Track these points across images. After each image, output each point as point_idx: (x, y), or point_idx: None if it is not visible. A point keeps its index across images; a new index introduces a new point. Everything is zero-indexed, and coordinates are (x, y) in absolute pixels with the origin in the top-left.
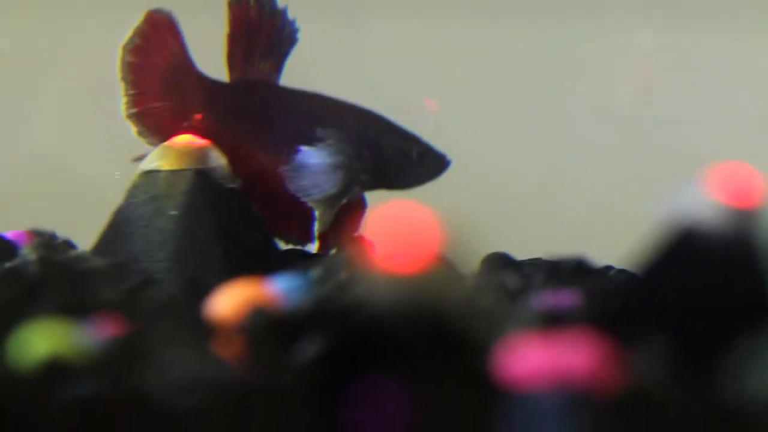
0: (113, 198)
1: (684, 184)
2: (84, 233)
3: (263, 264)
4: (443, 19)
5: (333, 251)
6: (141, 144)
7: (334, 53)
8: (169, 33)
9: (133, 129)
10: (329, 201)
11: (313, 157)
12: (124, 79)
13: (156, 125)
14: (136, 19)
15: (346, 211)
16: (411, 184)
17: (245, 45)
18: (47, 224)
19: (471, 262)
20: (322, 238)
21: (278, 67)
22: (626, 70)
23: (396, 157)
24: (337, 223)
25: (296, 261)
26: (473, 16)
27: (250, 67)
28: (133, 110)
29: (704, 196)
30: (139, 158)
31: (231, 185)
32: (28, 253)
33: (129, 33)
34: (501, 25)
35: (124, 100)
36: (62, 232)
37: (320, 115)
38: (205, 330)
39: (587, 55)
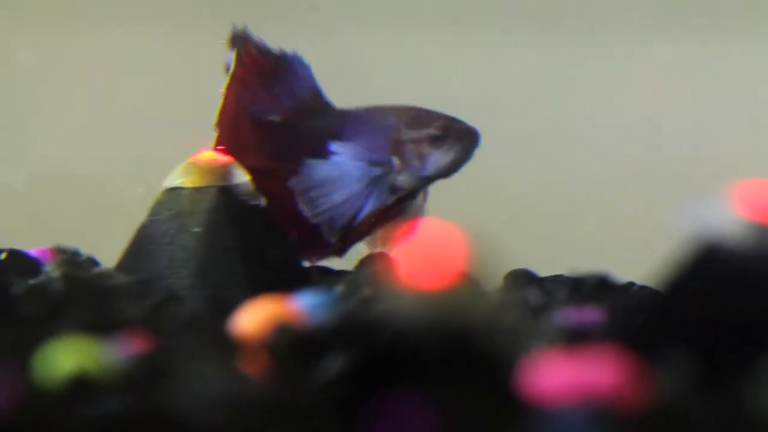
0: (136, 213)
1: (706, 199)
2: (105, 247)
3: (287, 280)
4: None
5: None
6: (164, 158)
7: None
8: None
9: None
10: (339, 215)
11: (319, 169)
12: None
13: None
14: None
15: (389, 215)
16: (451, 168)
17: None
18: (68, 238)
19: (494, 279)
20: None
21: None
22: (645, 82)
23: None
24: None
25: (320, 277)
26: (488, 29)
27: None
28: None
29: (727, 212)
30: None
31: (254, 202)
32: (52, 270)
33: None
34: (517, 37)
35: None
36: (83, 247)
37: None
38: (229, 346)
39: (605, 67)
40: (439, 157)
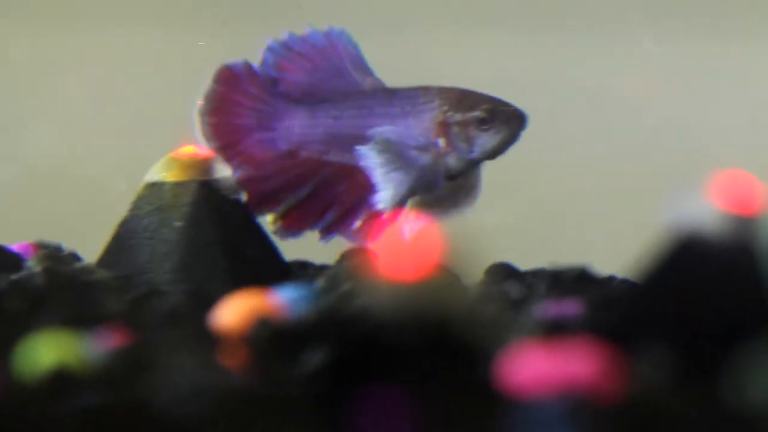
0: (118, 209)
1: (685, 191)
2: (87, 242)
3: (267, 274)
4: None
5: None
6: (149, 156)
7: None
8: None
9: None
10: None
11: (363, 157)
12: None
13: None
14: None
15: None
16: (498, 150)
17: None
18: (52, 232)
19: (475, 272)
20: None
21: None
22: (631, 78)
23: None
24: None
25: (300, 271)
26: (475, 25)
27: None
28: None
29: (705, 204)
30: None
31: (235, 196)
32: (33, 265)
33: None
34: (507, 35)
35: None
36: (66, 241)
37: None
38: (210, 340)
39: (593, 64)
40: (486, 140)
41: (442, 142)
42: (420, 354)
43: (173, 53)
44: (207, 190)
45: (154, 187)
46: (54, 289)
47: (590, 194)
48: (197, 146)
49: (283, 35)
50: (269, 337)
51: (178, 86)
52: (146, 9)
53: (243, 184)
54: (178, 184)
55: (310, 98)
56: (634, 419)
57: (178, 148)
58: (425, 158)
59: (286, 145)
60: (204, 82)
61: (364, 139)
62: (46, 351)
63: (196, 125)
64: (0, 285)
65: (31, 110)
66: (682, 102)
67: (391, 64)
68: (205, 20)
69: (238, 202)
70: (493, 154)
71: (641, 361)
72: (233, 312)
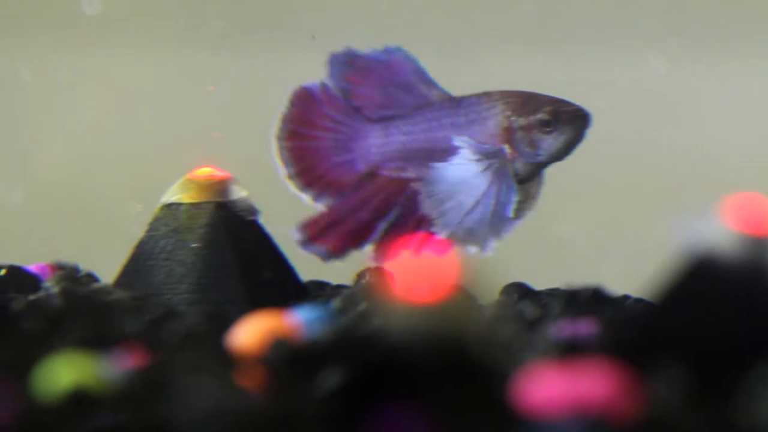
0: (135, 230)
1: (699, 213)
2: (103, 262)
3: (284, 294)
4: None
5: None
6: (165, 178)
7: None
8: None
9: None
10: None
11: (447, 170)
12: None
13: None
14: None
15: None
16: (563, 152)
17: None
18: (68, 253)
19: (490, 293)
20: None
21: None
22: (639, 98)
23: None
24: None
25: (317, 291)
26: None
27: None
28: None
29: (719, 225)
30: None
31: (251, 217)
32: (51, 285)
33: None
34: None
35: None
36: (82, 262)
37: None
38: (227, 361)
39: (599, 82)
40: (551, 143)
41: (507, 147)
42: (436, 374)
43: (191, 74)
44: (223, 211)
45: (170, 208)
46: (72, 309)
47: (604, 215)
48: (213, 167)
49: (342, 49)
50: (286, 358)
51: (195, 107)
52: (162, 29)
53: (334, 219)
54: (194, 206)
55: (384, 112)
56: None
57: (194, 169)
58: (495, 165)
59: (364, 166)
60: (277, 106)
61: (435, 152)
62: (65, 372)
63: (273, 149)
64: (18, 306)
65: (48, 131)
66: (695, 121)
67: None
68: (221, 40)
69: (254, 222)
70: (559, 156)
71: (656, 382)
72: (250, 333)
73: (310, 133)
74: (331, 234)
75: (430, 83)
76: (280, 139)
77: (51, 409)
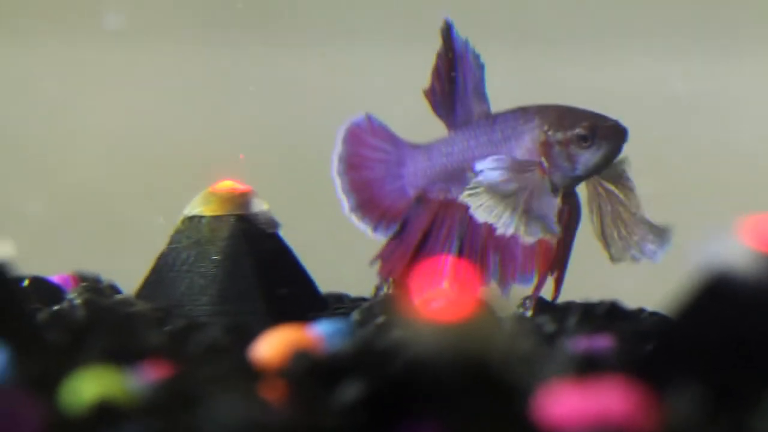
0: (156, 241)
1: (717, 232)
2: (124, 273)
3: (304, 307)
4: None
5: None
6: (183, 193)
7: None
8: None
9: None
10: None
11: (490, 171)
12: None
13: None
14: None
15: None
16: (601, 166)
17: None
18: (89, 263)
19: (508, 307)
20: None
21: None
22: (654, 104)
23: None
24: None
25: (336, 304)
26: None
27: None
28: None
29: (737, 243)
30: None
31: (272, 230)
32: (74, 296)
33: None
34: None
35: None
36: (103, 272)
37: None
38: (249, 373)
39: (614, 87)
40: (588, 158)
41: (545, 162)
42: (456, 389)
43: (215, 89)
44: (244, 224)
45: (192, 221)
46: (95, 321)
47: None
48: (235, 180)
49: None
50: (307, 371)
51: (217, 122)
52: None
53: (402, 252)
54: (215, 218)
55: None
56: None
57: (215, 182)
58: (532, 180)
59: (413, 191)
60: (334, 141)
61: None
62: (89, 384)
63: (336, 185)
64: (42, 317)
65: (70, 143)
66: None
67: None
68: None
69: (274, 235)
70: (596, 170)
71: (673, 397)
72: (271, 345)
73: (363, 165)
74: (397, 263)
75: (483, 99)
76: (339, 174)
77: (76, 422)
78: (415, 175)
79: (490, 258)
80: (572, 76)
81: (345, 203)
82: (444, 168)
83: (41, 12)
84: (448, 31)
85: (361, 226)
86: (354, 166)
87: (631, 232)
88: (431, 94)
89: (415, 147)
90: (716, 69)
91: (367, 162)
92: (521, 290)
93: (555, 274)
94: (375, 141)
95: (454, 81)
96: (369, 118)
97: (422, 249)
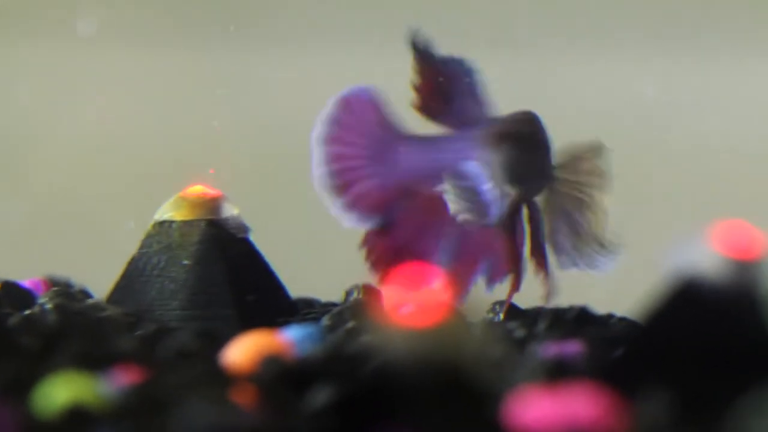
0: (127, 247)
1: (686, 238)
2: (95, 278)
3: (274, 312)
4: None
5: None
6: (157, 192)
7: None
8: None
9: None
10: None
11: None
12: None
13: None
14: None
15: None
16: None
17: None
18: (60, 268)
19: (479, 311)
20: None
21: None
22: (636, 103)
23: None
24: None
25: (306, 308)
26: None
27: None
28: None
29: (707, 249)
30: None
31: (242, 235)
32: (45, 301)
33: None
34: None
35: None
36: (74, 277)
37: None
38: (219, 378)
39: (598, 85)
40: (497, 162)
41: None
42: (426, 393)
43: (185, 93)
44: (215, 228)
45: (162, 225)
46: (66, 326)
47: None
48: (205, 185)
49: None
50: (277, 375)
51: (187, 126)
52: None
53: (389, 246)
54: (186, 223)
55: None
56: None
57: (186, 187)
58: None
59: (400, 181)
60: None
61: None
62: (61, 388)
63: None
64: (13, 321)
65: (40, 147)
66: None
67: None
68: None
69: (245, 239)
70: (511, 176)
71: (641, 402)
72: (241, 350)
73: (346, 139)
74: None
75: (478, 99)
76: (319, 142)
77: (49, 426)
78: (407, 164)
79: (479, 258)
80: (549, 80)
81: (318, 176)
82: (432, 165)
83: (15, 16)
84: (417, 41)
85: (330, 205)
86: (335, 139)
87: (583, 244)
88: (420, 105)
89: (413, 136)
90: (691, 73)
91: (352, 136)
92: (492, 295)
93: (512, 275)
94: (368, 116)
95: (440, 86)
96: (370, 91)
97: (411, 244)
